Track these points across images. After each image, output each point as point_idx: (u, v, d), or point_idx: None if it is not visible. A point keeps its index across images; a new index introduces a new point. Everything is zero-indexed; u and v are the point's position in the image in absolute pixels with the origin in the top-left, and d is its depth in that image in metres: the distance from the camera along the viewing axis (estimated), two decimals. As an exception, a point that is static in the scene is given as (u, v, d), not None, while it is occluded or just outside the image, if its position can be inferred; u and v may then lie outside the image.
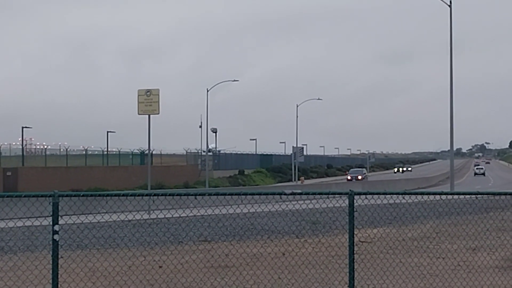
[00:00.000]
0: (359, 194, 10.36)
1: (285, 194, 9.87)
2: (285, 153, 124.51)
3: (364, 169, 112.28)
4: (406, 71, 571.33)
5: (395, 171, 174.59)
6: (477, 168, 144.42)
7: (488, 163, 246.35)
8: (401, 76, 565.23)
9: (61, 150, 72.55)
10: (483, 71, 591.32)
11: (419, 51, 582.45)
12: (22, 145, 70.82)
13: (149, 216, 32.38)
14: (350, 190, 10.03)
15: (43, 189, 52.06)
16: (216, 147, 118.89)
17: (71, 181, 62.09)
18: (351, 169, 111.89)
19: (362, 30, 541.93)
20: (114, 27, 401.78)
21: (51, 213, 8.67)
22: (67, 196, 9.42)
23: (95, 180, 64.85)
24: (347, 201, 10.09)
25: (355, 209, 10.03)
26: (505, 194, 13.62)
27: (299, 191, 10.09)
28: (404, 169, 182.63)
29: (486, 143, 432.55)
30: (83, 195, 9.29)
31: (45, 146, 74.35)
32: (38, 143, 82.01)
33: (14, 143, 72.73)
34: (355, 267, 10.16)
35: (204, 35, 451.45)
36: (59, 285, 8.83)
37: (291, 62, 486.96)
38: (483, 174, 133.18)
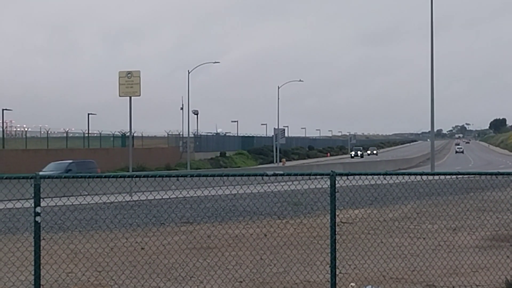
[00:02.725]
0: (341, 175, 10.36)
1: (267, 175, 9.88)
2: (266, 135, 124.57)
3: None
4: (388, 52, 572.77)
5: (352, 155, 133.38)
6: (457, 147, 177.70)
7: (468, 143, 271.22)
8: (383, 57, 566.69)
9: (42, 132, 72.07)
10: (463, 52, 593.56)
11: (401, 32, 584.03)
12: (2, 127, 70.25)
13: (131, 198, 32.41)
14: (331, 171, 10.04)
15: (24, 171, 51.81)
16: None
17: (53, 163, 61.71)
18: None
19: (344, 11, 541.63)
20: (95, 8, 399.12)
21: (32, 195, 8.66)
22: (48, 178, 9.40)
23: (77, 162, 64.55)
24: (328, 182, 10.11)
25: (336, 190, 10.05)
26: (485, 174, 13.70)
27: (281, 172, 10.09)
28: (368, 152, 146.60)
29: (467, 124, 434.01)
30: (64, 177, 9.27)
31: (26, 129, 73.81)
32: (18, 126, 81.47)
33: (-6, 126, 72.15)
34: (337, 247, 10.20)
35: (186, 17, 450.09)
36: (41, 267, 8.82)
37: (273, 44, 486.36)
38: (462, 152, 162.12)
